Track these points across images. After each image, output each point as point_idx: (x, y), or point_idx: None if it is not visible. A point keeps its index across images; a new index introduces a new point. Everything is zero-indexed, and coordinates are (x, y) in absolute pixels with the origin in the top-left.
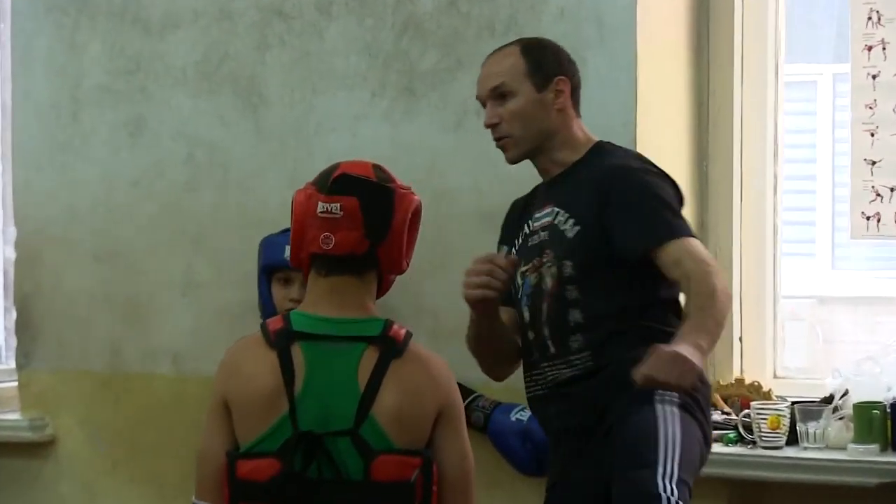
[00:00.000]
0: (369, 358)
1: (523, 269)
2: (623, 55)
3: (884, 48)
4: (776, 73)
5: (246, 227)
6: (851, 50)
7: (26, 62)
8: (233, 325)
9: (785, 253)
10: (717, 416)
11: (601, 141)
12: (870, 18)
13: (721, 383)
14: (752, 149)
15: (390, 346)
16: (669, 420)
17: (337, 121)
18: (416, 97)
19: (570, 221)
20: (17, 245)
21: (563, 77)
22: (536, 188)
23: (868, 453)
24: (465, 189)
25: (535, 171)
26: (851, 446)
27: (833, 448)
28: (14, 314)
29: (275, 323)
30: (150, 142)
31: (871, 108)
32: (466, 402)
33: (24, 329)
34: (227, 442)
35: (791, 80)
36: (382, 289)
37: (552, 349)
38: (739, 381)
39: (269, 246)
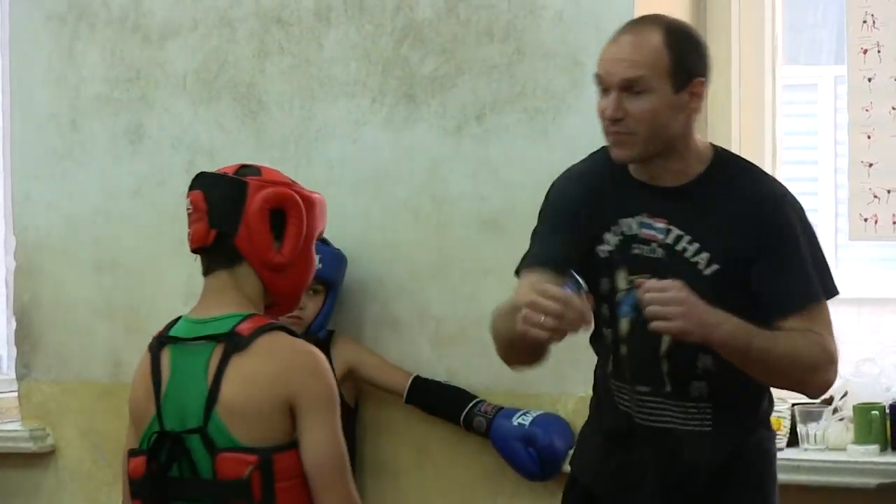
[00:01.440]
0: (216, 356)
1: (630, 276)
2: None
3: (879, 51)
4: (774, 75)
5: None
6: (847, 53)
7: (25, 71)
8: None
9: None
10: None
11: (718, 148)
12: (865, 21)
13: None
14: (751, 152)
15: (233, 342)
16: None
17: (337, 128)
18: (415, 103)
19: (704, 255)
20: (17, 255)
21: (702, 79)
22: (609, 174)
23: (868, 454)
24: (466, 195)
25: (535, 177)
26: (851, 447)
27: (833, 449)
28: (14, 324)
29: (163, 328)
30: (150, 150)
31: (867, 110)
32: (468, 407)
33: (24, 339)
34: (133, 440)
35: (792, 82)
36: (269, 286)
37: (668, 388)
38: None
39: None
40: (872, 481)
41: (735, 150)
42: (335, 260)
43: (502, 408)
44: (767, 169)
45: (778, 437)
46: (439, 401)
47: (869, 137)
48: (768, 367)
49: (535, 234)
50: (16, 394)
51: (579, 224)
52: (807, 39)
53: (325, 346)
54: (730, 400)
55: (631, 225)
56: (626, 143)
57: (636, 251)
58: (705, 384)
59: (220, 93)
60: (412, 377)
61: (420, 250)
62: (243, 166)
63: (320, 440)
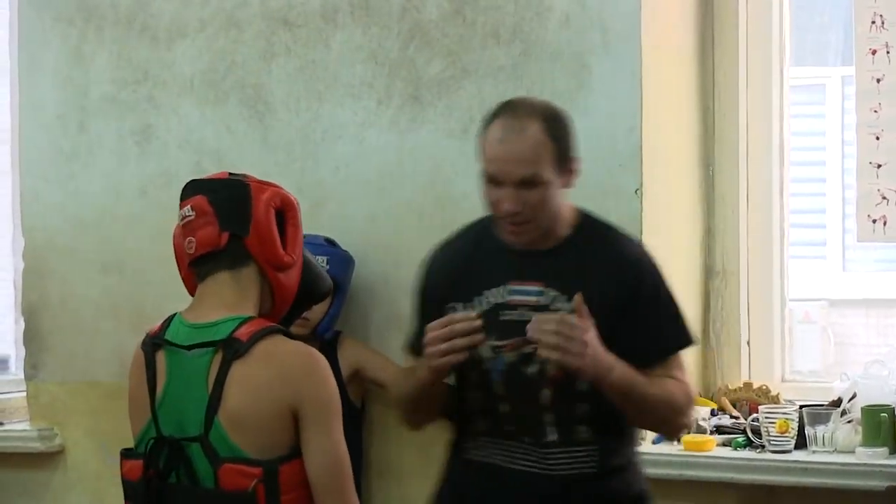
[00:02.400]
0: (216, 363)
1: (494, 343)
2: (628, 61)
3: (888, 52)
4: (781, 76)
5: None
6: (855, 54)
7: (33, 72)
8: None
9: (795, 256)
10: (725, 421)
11: (583, 212)
12: (873, 22)
13: (729, 387)
14: (758, 153)
15: (232, 348)
16: None
17: (343, 129)
18: (421, 105)
19: None
20: (25, 255)
21: (575, 156)
22: (480, 245)
23: (876, 456)
24: (471, 196)
25: None
26: (860, 449)
27: (842, 451)
28: (22, 325)
29: (156, 326)
30: (158, 151)
31: (875, 111)
32: None
33: (32, 340)
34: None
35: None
36: (277, 293)
37: (554, 437)
38: (748, 384)
39: None
40: (881, 484)
41: (742, 150)
42: (343, 262)
43: None
44: (775, 172)
45: (786, 439)
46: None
47: (877, 138)
48: (646, 409)
49: (412, 312)
50: (24, 394)
51: (435, 308)
52: (814, 40)
53: (331, 346)
54: (612, 439)
55: (498, 293)
56: (524, 231)
57: (504, 317)
58: (587, 428)
59: (227, 94)
60: None
61: (425, 251)
62: (230, 173)
63: (324, 447)
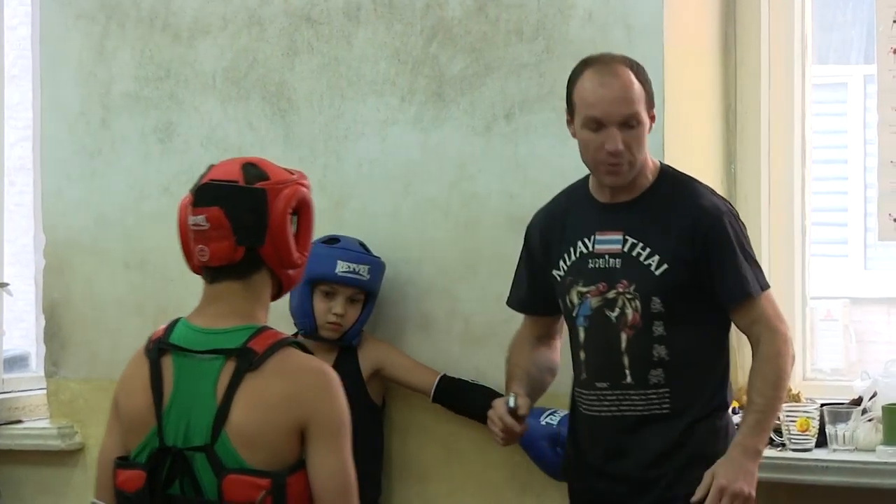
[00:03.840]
0: (227, 372)
1: (581, 289)
2: (651, 58)
3: None
4: (803, 75)
5: None
6: (877, 52)
7: (55, 69)
8: None
9: (817, 254)
10: None
11: (664, 165)
12: (895, 21)
13: None
14: (780, 151)
15: (246, 359)
16: None
17: (366, 126)
18: (444, 102)
19: (655, 258)
20: (46, 253)
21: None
22: (574, 202)
23: None
24: (495, 193)
25: (564, 176)
26: (880, 448)
27: (862, 450)
28: (43, 322)
29: (159, 331)
30: (180, 148)
31: None
32: None
33: (53, 337)
34: (119, 445)
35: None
36: (285, 284)
37: (629, 379)
38: None
39: (317, 257)
40: None
41: (764, 148)
42: (380, 270)
43: None
44: (797, 170)
45: (807, 437)
46: (466, 400)
47: None
48: (780, 405)
49: (516, 271)
50: (44, 391)
51: (536, 265)
52: (837, 38)
53: (353, 346)
54: (685, 385)
55: (585, 243)
56: (623, 171)
57: (591, 266)
58: (662, 371)
59: (250, 91)
60: (439, 376)
61: (449, 249)
62: (245, 166)
63: (330, 465)
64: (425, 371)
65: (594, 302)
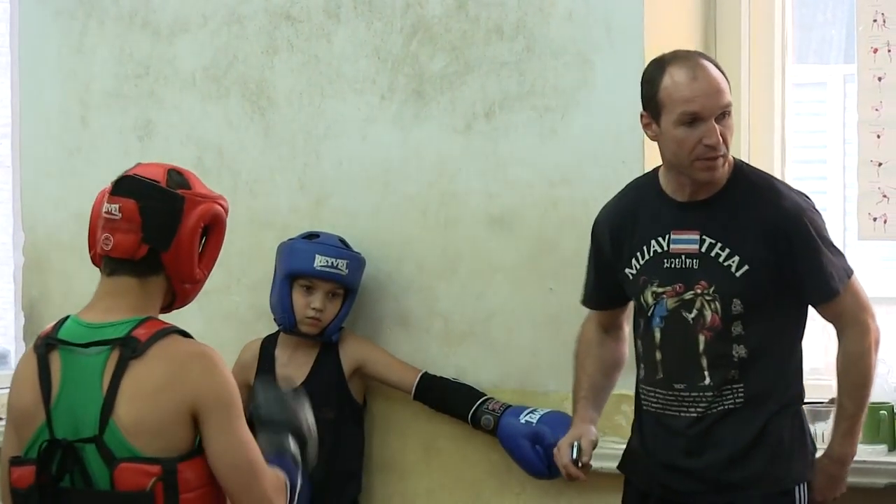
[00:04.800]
0: (112, 362)
1: (657, 289)
2: (631, 58)
3: (889, 50)
4: (783, 74)
5: (255, 231)
6: (857, 52)
7: (34, 67)
8: (243, 329)
9: None
10: None
11: (738, 161)
12: (875, 20)
13: None
14: (760, 150)
15: (130, 347)
16: None
17: (346, 124)
18: (425, 101)
19: (735, 259)
20: (26, 250)
21: None
22: (643, 198)
23: (876, 454)
24: (475, 192)
25: (544, 175)
26: (859, 447)
27: None
28: (22, 320)
29: (48, 328)
30: (159, 146)
31: (877, 109)
32: (476, 405)
33: (33, 335)
34: (17, 446)
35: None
36: (179, 298)
37: (708, 381)
38: None
39: (296, 252)
40: (880, 481)
41: (744, 148)
42: (359, 265)
43: (510, 406)
44: (776, 169)
45: None
46: (447, 398)
47: (878, 136)
48: (867, 401)
49: (586, 269)
50: None
51: (604, 262)
52: (816, 38)
53: (334, 343)
54: (761, 378)
55: (660, 242)
56: (720, 166)
57: (667, 265)
58: (739, 367)
59: (229, 89)
60: (420, 374)
61: (428, 247)
62: (171, 171)
63: (224, 443)
64: (406, 369)
65: (670, 303)
